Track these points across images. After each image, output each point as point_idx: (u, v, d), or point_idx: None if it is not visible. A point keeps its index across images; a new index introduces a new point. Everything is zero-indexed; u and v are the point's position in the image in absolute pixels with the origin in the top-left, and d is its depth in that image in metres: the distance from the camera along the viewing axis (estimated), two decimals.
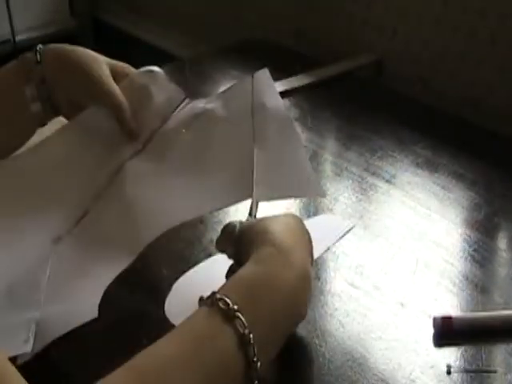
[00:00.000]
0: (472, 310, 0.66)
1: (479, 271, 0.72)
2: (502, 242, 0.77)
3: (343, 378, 0.59)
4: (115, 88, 0.74)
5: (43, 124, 0.77)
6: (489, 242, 0.76)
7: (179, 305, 0.66)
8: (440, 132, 0.99)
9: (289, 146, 0.71)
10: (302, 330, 0.63)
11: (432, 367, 0.60)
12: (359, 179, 0.88)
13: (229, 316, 0.49)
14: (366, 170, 0.90)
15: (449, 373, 0.59)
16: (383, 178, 0.88)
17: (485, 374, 0.60)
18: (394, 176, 0.88)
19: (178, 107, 0.77)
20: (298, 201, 0.82)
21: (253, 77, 0.75)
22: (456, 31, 1.10)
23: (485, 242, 0.76)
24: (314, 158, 0.92)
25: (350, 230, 0.78)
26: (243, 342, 0.49)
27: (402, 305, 0.67)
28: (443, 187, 0.86)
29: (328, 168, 0.92)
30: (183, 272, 0.70)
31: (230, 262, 0.63)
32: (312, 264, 0.60)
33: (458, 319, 0.64)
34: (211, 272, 0.69)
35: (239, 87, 0.76)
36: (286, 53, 1.26)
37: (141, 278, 0.70)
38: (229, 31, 1.56)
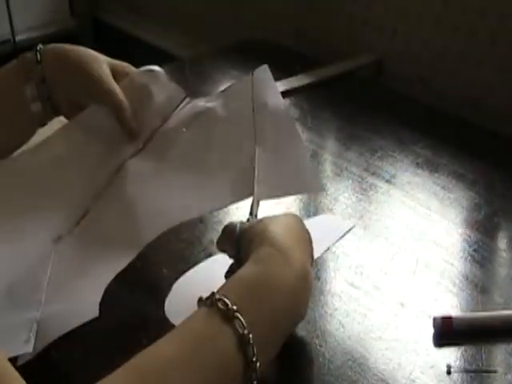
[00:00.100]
0: (472, 310, 0.66)
1: (479, 271, 0.72)
2: (501, 242, 0.77)
3: (343, 378, 0.59)
4: (115, 87, 0.74)
5: (43, 124, 0.77)
6: (489, 242, 0.76)
7: (179, 305, 0.66)
8: (440, 132, 0.99)
9: (289, 144, 0.71)
10: (301, 330, 0.63)
11: (432, 367, 0.60)
12: (359, 179, 0.88)
13: (228, 316, 0.49)
14: (366, 170, 0.90)
15: (449, 373, 0.59)
16: (383, 178, 0.88)
17: (485, 374, 0.60)
18: (393, 176, 0.88)
19: (178, 106, 0.77)
20: (297, 201, 0.82)
21: (252, 74, 0.75)
22: (456, 31, 1.10)
23: (485, 242, 0.76)
24: (314, 157, 0.92)
25: (350, 230, 0.78)
26: (242, 342, 0.49)
27: (402, 305, 0.67)
28: (443, 187, 0.86)
29: (328, 168, 0.92)
30: (183, 272, 0.70)
31: (230, 261, 0.63)
32: (312, 264, 0.60)
33: (458, 319, 0.64)
34: (211, 272, 0.69)
35: (239, 86, 0.76)
36: (286, 53, 1.26)
37: (141, 278, 0.70)
38: (229, 31, 1.56)
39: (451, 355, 0.61)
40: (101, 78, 0.74)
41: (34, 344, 0.58)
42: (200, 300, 0.52)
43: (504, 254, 0.75)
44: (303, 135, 0.96)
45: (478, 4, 1.06)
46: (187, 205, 0.69)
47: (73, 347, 0.62)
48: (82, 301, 0.63)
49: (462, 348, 0.62)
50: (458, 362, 0.60)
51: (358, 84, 1.16)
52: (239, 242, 0.60)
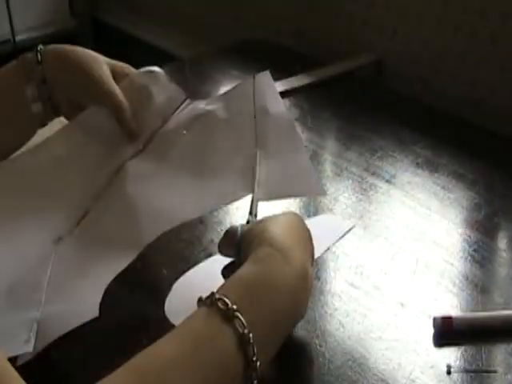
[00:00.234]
0: (472, 310, 0.66)
1: (479, 271, 0.72)
2: (501, 242, 0.77)
3: (343, 378, 0.59)
4: (115, 88, 0.74)
5: (44, 124, 0.77)
6: (489, 242, 0.76)
7: (179, 305, 0.66)
8: (440, 132, 0.99)
9: (290, 149, 0.71)
10: (301, 329, 0.63)
11: (432, 367, 0.60)
12: (359, 179, 0.88)
13: (228, 316, 0.49)
14: (366, 169, 0.90)
15: (449, 373, 0.59)
16: (383, 178, 0.88)
17: (485, 374, 0.60)
18: (394, 176, 0.88)
19: (178, 108, 0.77)
20: (298, 200, 0.82)
21: (254, 78, 0.75)
22: (456, 31, 1.10)
23: (485, 242, 0.76)
24: (314, 157, 0.92)
25: (350, 230, 0.78)
26: (243, 341, 0.49)
27: (402, 305, 0.67)
28: (443, 187, 0.86)
29: (328, 168, 0.92)
30: (183, 272, 0.70)
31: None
32: (313, 263, 0.60)
33: (458, 319, 0.64)
34: (211, 272, 0.68)
35: (240, 89, 0.76)
36: (286, 53, 1.26)
37: (141, 278, 0.70)
38: (229, 31, 1.56)
39: (451, 355, 0.61)
40: (101, 78, 0.74)
41: (34, 344, 0.58)
42: (200, 300, 0.52)
43: (504, 254, 0.75)
44: (303, 135, 0.96)
45: (478, 4, 1.06)
46: (187, 205, 0.69)
47: (73, 347, 0.62)
48: (82, 301, 0.63)
49: (462, 348, 0.62)
50: (458, 362, 0.60)
51: (358, 84, 1.16)
52: (240, 245, 0.60)
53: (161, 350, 0.49)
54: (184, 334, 0.50)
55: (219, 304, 0.50)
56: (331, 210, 0.81)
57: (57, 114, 0.77)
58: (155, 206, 0.69)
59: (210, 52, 1.38)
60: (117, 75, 0.76)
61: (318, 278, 0.70)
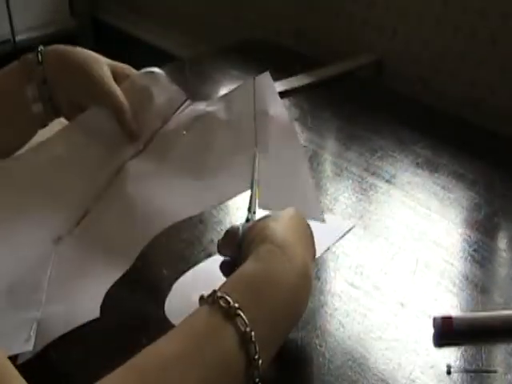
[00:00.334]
0: (472, 310, 0.66)
1: (479, 271, 0.72)
2: (501, 242, 0.77)
3: (343, 378, 0.59)
4: (116, 89, 0.74)
5: (44, 125, 0.77)
6: (489, 242, 0.76)
7: (179, 305, 0.66)
8: (440, 132, 0.99)
9: (291, 158, 0.71)
10: (302, 329, 0.63)
11: (432, 367, 0.60)
12: (359, 179, 0.88)
13: (230, 314, 0.49)
14: (366, 169, 0.90)
15: (449, 373, 0.59)
16: (383, 178, 0.88)
17: (485, 374, 0.60)
18: (394, 176, 0.88)
19: (179, 108, 0.77)
20: None
21: (254, 79, 0.75)
22: (456, 31, 1.10)
23: (485, 242, 0.76)
24: (314, 158, 0.92)
25: (350, 230, 0.78)
26: (244, 340, 0.49)
27: (402, 305, 0.67)
28: (443, 187, 0.86)
29: (328, 168, 0.92)
30: (183, 272, 0.70)
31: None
32: (314, 260, 0.60)
33: (458, 319, 0.64)
34: (211, 272, 0.68)
35: (241, 90, 0.76)
36: (286, 53, 1.26)
37: (141, 278, 0.70)
38: (229, 31, 1.56)
39: (451, 355, 0.61)
40: (101, 79, 0.74)
41: (34, 343, 0.59)
42: (201, 298, 0.52)
43: (504, 254, 0.75)
44: (303, 135, 0.96)
45: (478, 4, 1.06)
46: (187, 202, 0.69)
47: (72, 347, 0.62)
48: (82, 301, 0.63)
49: (462, 348, 0.62)
50: (458, 362, 0.60)
51: (358, 84, 1.16)
52: (241, 245, 0.60)
53: (161, 348, 0.49)
54: (185, 333, 0.50)
55: (221, 302, 0.50)
56: (331, 210, 0.81)
57: (57, 114, 0.77)
58: (155, 205, 0.69)
59: (210, 52, 1.38)
60: (117, 76, 0.76)
61: (318, 278, 0.70)
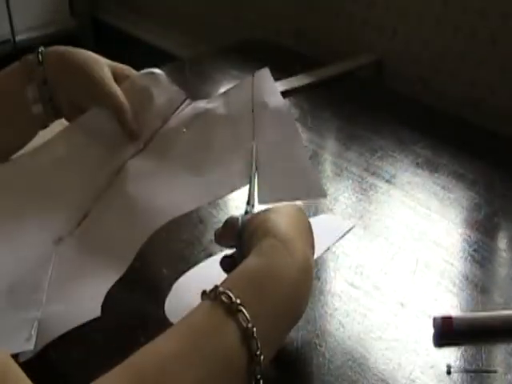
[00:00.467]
0: (472, 310, 0.66)
1: (479, 271, 0.72)
2: (502, 242, 0.77)
3: (343, 378, 0.59)
4: (117, 90, 0.74)
5: (45, 126, 0.77)
6: (489, 242, 0.76)
7: (179, 305, 0.66)
8: (440, 132, 0.99)
9: (289, 146, 0.71)
10: (302, 329, 0.63)
11: (432, 367, 0.60)
12: (359, 179, 0.88)
13: (232, 310, 0.49)
14: (366, 169, 0.90)
15: (449, 373, 0.59)
16: (383, 178, 0.88)
17: (485, 374, 0.60)
18: (394, 176, 0.88)
19: (178, 108, 0.77)
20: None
21: (253, 76, 0.75)
22: (456, 31, 1.10)
23: (485, 242, 0.76)
24: (314, 157, 0.92)
25: (350, 230, 0.78)
26: (246, 336, 0.49)
27: (402, 305, 0.67)
28: (443, 187, 0.86)
29: (328, 168, 0.92)
30: (183, 272, 0.70)
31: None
32: (313, 253, 0.60)
33: (458, 319, 0.64)
34: (211, 272, 0.68)
35: (240, 87, 0.76)
36: (286, 53, 1.26)
37: (141, 278, 0.70)
38: (229, 31, 1.56)
39: (451, 355, 0.61)
40: (102, 80, 0.74)
41: (35, 343, 0.59)
42: (204, 293, 0.51)
43: (504, 254, 0.75)
44: (303, 135, 0.96)
45: (478, 4, 1.06)
46: (187, 197, 0.69)
47: (72, 347, 0.62)
48: (82, 301, 0.63)
49: (462, 348, 0.62)
50: (458, 362, 0.60)
51: (358, 84, 1.16)
52: (241, 234, 0.60)
53: (161, 345, 0.48)
54: (186, 328, 0.50)
55: (223, 298, 0.50)
56: (331, 209, 0.81)
57: (58, 115, 0.77)
58: (155, 201, 0.69)
59: (210, 52, 1.38)
60: (117, 77, 0.76)
61: (318, 278, 0.70)
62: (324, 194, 0.69)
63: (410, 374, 0.59)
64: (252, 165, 0.68)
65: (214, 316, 0.49)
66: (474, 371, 0.60)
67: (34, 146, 0.76)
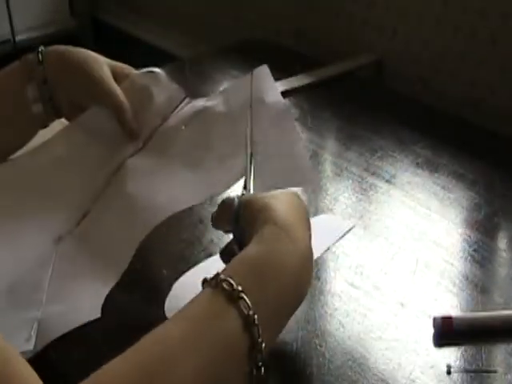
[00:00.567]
0: (472, 310, 0.66)
1: (479, 271, 0.72)
2: (502, 242, 0.77)
3: (343, 378, 0.59)
4: (116, 89, 0.75)
5: (45, 126, 0.77)
6: (489, 242, 0.76)
7: (179, 305, 0.65)
8: (440, 132, 0.99)
9: (286, 138, 0.71)
10: (302, 329, 0.63)
11: (432, 367, 0.60)
12: (359, 179, 0.88)
13: (233, 297, 0.49)
14: (366, 169, 0.90)
15: (449, 373, 0.59)
16: (383, 178, 0.88)
17: (485, 374, 0.60)
18: (394, 176, 0.88)
19: (178, 106, 0.77)
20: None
21: (252, 73, 0.75)
22: (456, 31, 1.10)
23: (485, 242, 0.76)
24: (314, 157, 0.92)
25: (350, 230, 0.78)
26: (247, 323, 0.49)
27: (402, 305, 0.67)
28: (443, 187, 0.86)
29: (328, 168, 0.92)
30: (183, 272, 0.70)
31: None
32: (311, 239, 0.60)
33: (458, 319, 0.64)
34: (211, 272, 0.68)
35: (239, 84, 0.77)
36: (286, 53, 1.26)
37: (141, 278, 0.70)
38: (229, 31, 1.56)
39: (451, 355, 0.61)
40: (102, 79, 0.74)
41: (35, 343, 0.59)
42: (205, 281, 0.51)
43: (504, 254, 0.75)
44: (303, 135, 0.96)
45: (478, 4, 1.06)
46: (186, 194, 0.69)
47: (72, 347, 0.62)
48: (83, 301, 0.63)
49: (462, 348, 0.62)
50: (458, 362, 0.60)
51: (358, 84, 1.16)
52: (238, 215, 0.59)
53: (164, 332, 0.48)
54: (188, 316, 0.50)
55: (224, 285, 0.49)
56: (331, 209, 0.81)
57: (58, 114, 0.77)
58: (155, 197, 0.69)
59: (210, 52, 1.38)
60: (117, 76, 0.76)
61: (318, 278, 0.70)
62: (317, 183, 0.69)
63: (410, 374, 0.59)
64: (247, 150, 0.68)
65: (216, 303, 0.49)
66: (474, 371, 0.60)
67: (34, 146, 0.76)
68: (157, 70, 0.78)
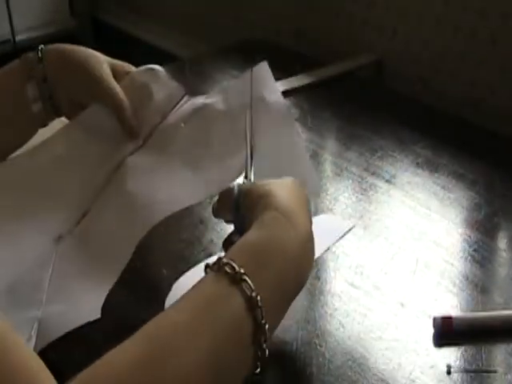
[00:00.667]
0: (472, 310, 0.66)
1: (479, 271, 0.72)
2: (502, 242, 0.77)
3: (343, 378, 0.59)
4: (116, 87, 0.74)
5: (44, 124, 0.77)
6: (489, 242, 0.76)
7: None
8: (440, 132, 0.99)
9: (286, 138, 0.71)
10: (302, 329, 0.63)
11: (432, 367, 0.60)
12: (359, 179, 0.88)
13: (236, 279, 0.49)
14: (366, 169, 0.90)
15: (449, 373, 0.59)
16: (383, 178, 0.88)
17: (485, 374, 0.60)
18: (394, 176, 0.88)
19: (178, 104, 0.77)
20: None
21: (252, 70, 0.75)
22: (456, 31, 1.10)
23: (485, 242, 0.76)
24: (314, 158, 0.92)
25: (350, 230, 0.78)
26: (251, 304, 0.49)
27: (402, 305, 0.67)
28: (443, 187, 0.86)
29: (328, 168, 0.92)
30: (183, 272, 0.70)
31: None
32: (311, 225, 0.60)
33: (458, 319, 0.64)
34: None
35: (238, 82, 0.77)
36: (286, 53, 1.26)
37: (140, 278, 0.70)
38: (229, 31, 1.56)
39: (451, 355, 0.61)
40: (101, 77, 0.74)
41: (35, 343, 0.58)
42: (207, 266, 0.52)
43: (504, 254, 0.75)
44: (303, 135, 0.96)
45: (478, 4, 1.06)
46: (186, 192, 0.69)
47: (72, 348, 0.62)
48: (83, 301, 0.63)
49: (462, 348, 0.62)
50: (458, 362, 0.60)
51: (358, 84, 1.16)
52: (238, 203, 0.60)
53: (170, 316, 0.49)
54: (193, 299, 0.50)
55: (226, 268, 0.50)
56: (331, 210, 0.81)
57: (57, 113, 0.77)
58: (155, 196, 0.69)
59: (210, 52, 1.38)
60: (117, 74, 0.76)
61: (318, 278, 0.70)
62: (318, 188, 0.68)
63: (410, 374, 0.59)
64: (247, 142, 0.68)
65: (219, 286, 0.50)
66: (474, 371, 0.60)
67: (34, 145, 0.76)
68: (156, 66, 0.78)
